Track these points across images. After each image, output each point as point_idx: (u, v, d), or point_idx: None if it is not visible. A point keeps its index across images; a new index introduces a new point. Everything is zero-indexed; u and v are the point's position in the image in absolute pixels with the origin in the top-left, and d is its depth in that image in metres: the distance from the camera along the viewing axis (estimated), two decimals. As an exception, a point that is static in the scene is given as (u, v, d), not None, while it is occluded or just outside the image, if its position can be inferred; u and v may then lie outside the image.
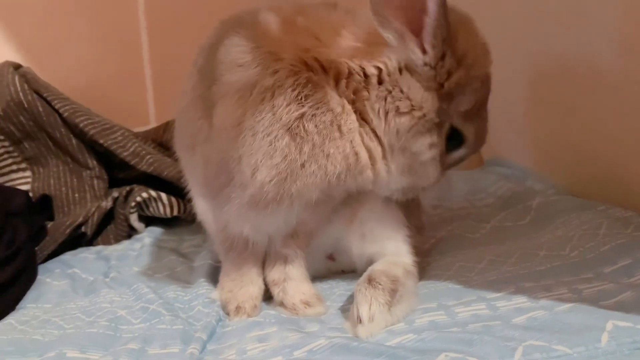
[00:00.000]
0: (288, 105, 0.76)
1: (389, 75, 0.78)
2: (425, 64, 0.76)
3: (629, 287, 0.79)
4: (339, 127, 0.78)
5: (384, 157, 0.81)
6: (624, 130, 1.08)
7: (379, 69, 0.78)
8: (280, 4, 0.86)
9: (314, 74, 0.77)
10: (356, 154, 0.80)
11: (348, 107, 0.79)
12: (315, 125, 0.77)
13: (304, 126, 0.76)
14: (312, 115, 0.77)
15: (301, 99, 0.76)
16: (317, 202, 0.81)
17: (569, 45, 1.18)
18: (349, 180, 0.81)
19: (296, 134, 0.76)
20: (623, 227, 0.96)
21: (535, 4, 1.26)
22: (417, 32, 0.75)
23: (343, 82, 0.78)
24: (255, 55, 0.78)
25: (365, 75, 0.78)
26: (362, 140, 0.80)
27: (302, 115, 0.76)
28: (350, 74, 0.78)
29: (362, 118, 0.80)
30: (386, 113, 0.79)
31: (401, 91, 0.78)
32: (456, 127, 0.81)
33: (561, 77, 1.22)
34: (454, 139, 0.82)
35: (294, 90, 0.76)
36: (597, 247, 0.92)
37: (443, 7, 0.72)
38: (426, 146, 0.80)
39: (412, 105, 0.78)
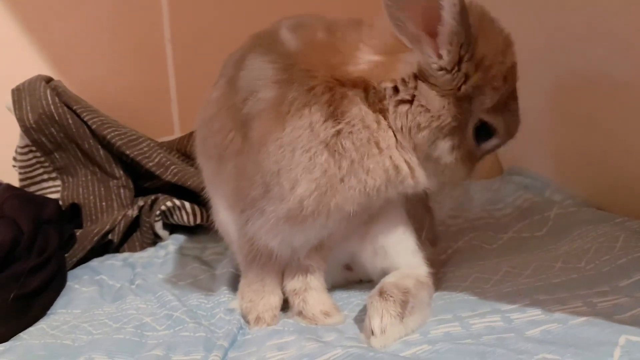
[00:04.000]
0: (325, 121, 0.77)
1: (404, 83, 0.77)
2: (441, 69, 0.75)
3: (644, 301, 0.78)
4: (377, 144, 0.78)
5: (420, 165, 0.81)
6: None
7: (395, 81, 0.77)
8: (307, 19, 0.87)
9: (347, 89, 0.78)
10: (396, 167, 0.80)
11: (384, 122, 0.79)
12: (352, 143, 0.77)
13: (341, 143, 0.77)
14: (349, 133, 0.77)
15: (337, 115, 0.77)
16: (353, 215, 0.81)
17: (590, 58, 1.17)
18: (390, 191, 0.82)
19: (334, 150, 0.77)
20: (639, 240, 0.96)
21: (556, 18, 1.26)
22: (433, 34, 0.74)
23: (372, 97, 0.78)
24: (292, 73, 0.79)
25: (385, 90, 0.78)
26: (400, 154, 0.80)
27: (338, 132, 0.77)
28: (374, 89, 0.78)
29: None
30: (409, 129, 0.79)
31: (420, 105, 0.78)
32: (485, 121, 0.81)
33: (582, 89, 1.21)
34: (484, 130, 0.82)
35: (329, 106, 0.77)
36: (613, 260, 0.91)
37: (459, 15, 0.71)
38: (447, 150, 0.80)
39: (432, 117, 0.77)
